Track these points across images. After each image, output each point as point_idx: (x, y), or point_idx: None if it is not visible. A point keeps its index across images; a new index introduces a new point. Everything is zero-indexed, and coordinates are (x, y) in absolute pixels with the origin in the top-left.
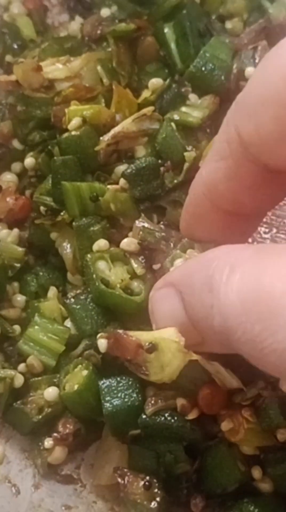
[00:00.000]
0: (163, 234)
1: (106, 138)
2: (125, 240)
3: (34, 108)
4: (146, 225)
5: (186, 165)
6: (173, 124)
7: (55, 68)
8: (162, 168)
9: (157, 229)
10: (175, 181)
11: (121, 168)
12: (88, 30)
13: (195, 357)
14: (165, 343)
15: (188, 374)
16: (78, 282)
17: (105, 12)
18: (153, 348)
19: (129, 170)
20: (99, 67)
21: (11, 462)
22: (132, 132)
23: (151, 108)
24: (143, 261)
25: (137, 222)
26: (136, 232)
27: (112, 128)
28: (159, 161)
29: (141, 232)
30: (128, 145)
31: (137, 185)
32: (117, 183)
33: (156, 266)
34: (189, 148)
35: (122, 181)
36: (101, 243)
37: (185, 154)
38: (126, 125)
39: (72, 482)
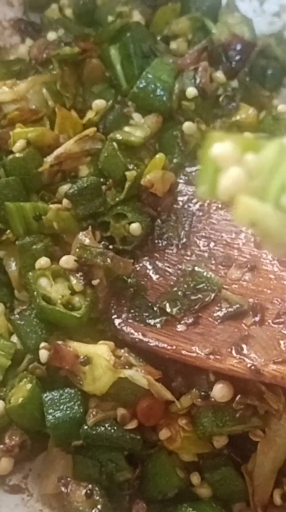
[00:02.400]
0: (100, 250)
1: (49, 159)
2: (64, 257)
3: None
4: (84, 242)
5: (127, 184)
6: (115, 143)
7: (1, 92)
8: (103, 187)
9: (94, 246)
10: (117, 199)
11: (65, 187)
12: (34, 54)
13: (123, 375)
14: (98, 359)
15: (127, 385)
16: (25, 298)
17: (51, 35)
18: (87, 361)
19: (71, 190)
20: (44, 90)
21: None
22: (75, 153)
23: (93, 129)
24: (81, 278)
25: (75, 239)
26: (74, 249)
27: (56, 149)
28: (101, 179)
29: (77, 250)
30: (71, 165)
31: (80, 204)
32: (61, 202)
33: (95, 282)
34: (131, 166)
35: (65, 201)
36: (42, 261)
37: (127, 173)
38: (68, 146)
39: (20, 491)
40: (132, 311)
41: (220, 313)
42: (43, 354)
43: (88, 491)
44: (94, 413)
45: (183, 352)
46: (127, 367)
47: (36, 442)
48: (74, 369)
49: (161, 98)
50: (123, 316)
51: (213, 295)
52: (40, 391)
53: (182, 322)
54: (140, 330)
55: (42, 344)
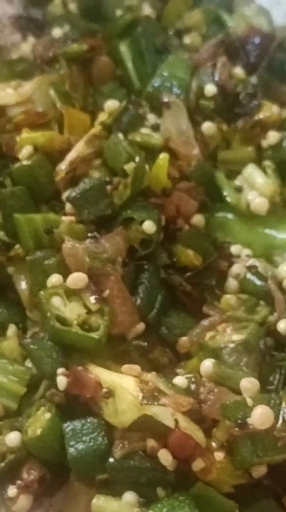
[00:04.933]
0: (106, 255)
1: (63, 166)
2: (70, 277)
3: None
4: (93, 250)
5: (129, 178)
6: (120, 134)
7: (5, 94)
8: (109, 187)
9: (102, 251)
10: (124, 197)
11: (68, 192)
12: (39, 52)
13: (150, 413)
14: (122, 392)
15: (153, 421)
16: (38, 318)
17: (57, 32)
18: (109, 394)
19: (73, 194)
20: (51, 91)
21: None
22: (87, 155)
23: (99, 127)
24: (95, 295)
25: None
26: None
27: (67, 154)
28: (107, 179)
29: (87, 259)
30: (84, 169)
31: (84, 209)
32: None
33: (106, 293)
34: (137, 158)
35: (68, 206)
36: (53, 279)
37: (125, 167)
38: (80, 149)
39: None
40: None
41: None
42: (61, 381)
43: None
44: (121, 444)
45: None
46: (155, 394)
47: (56, 475)
48: (96, 398)
49: (178, 97)
50: None
51: None
52: (60, 420)
53: None
54: None
55: (60, 370)
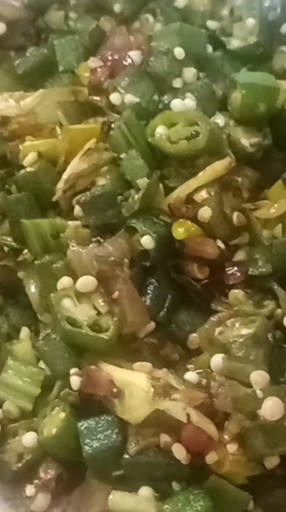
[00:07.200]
0: (113, 258)
1: (60, 185)
2: (79, 280)
3: None
4: (99, 253)
5: (140, 193)
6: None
7: (6, 106)
8: (119, 197)
9: (107, 255)
10: (132, 210)
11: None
12: None
13: (162, 407)
14: (134, 388)
15: (166, 415)
16: (49, 320)
17: None
18: (119, 394)
19: (83, 198)
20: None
21: None
22: (84, 170)
23: (93, 140)
24: (105, 297)
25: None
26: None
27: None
28: (118, 190)
29: (95, 263)
30: (85, 184)
31: (92, 214)
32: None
33: (115, 295)
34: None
35: (77, 208)
36: (64, 281)
37: (138, 181)
38: (74, 165)
39: None
40: None
41: None
42: (75, 381)
43: None
44: (135, 441)
45: None
46: (167, 390)
47: (73, 473)
48: (109, 395)
49: None
50: None
51: None
52: (74, 419)
53: None
54: None
55: (73, 370)
